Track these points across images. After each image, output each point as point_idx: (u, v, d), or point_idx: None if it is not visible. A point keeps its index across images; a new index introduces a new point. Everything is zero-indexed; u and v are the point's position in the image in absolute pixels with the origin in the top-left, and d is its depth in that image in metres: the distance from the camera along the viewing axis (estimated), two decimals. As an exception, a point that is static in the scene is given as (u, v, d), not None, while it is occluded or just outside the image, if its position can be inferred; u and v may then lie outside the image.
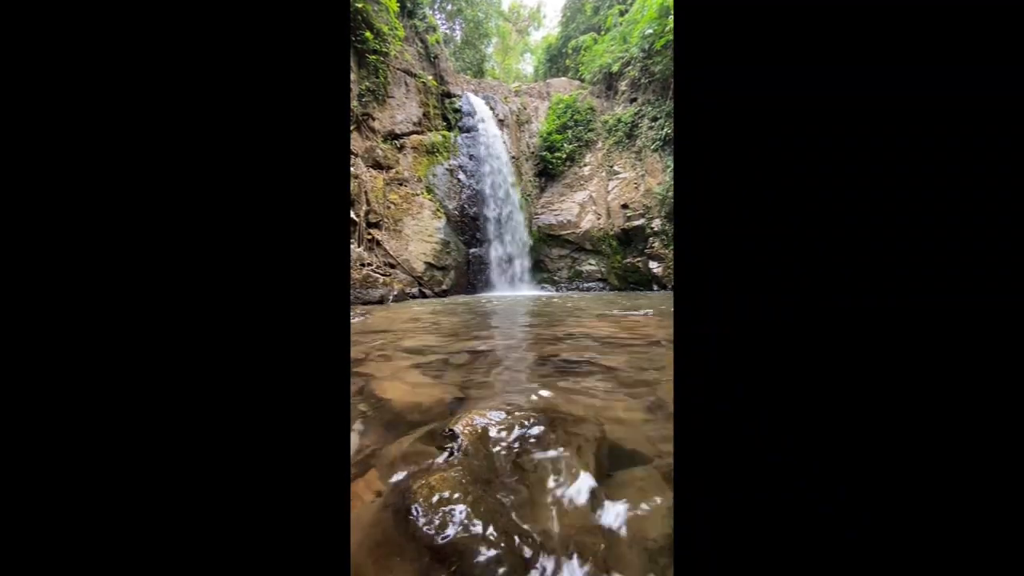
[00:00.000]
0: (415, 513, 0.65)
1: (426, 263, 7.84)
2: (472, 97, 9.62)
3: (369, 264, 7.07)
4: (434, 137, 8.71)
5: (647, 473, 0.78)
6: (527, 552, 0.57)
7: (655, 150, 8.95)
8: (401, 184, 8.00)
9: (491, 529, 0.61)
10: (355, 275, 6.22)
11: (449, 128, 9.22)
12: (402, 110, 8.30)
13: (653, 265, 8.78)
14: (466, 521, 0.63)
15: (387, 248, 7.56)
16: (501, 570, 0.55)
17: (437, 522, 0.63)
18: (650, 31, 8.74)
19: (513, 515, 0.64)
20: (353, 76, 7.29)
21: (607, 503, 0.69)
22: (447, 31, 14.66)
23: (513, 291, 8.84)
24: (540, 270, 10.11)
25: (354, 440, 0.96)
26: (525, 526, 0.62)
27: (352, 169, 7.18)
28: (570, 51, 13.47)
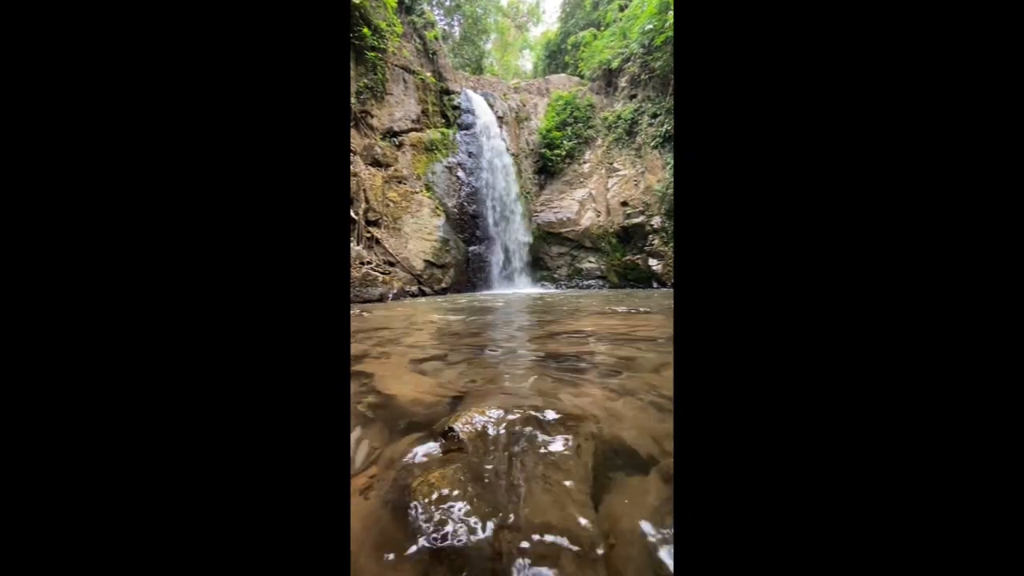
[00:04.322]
0: (415, 511, 0.65)
1: (425, 261, 7.84)
2: (471, 94, 9.58)
3: (368, 262, 7.06)
4: (433, 134, 8.67)
5: (646, 471, 0.78)
6: (526, 549, 0.57)
7: (655, 147, 8.93)
8: (400, 182, 7.98)
9: (490, 526, 0.61)
10: (354, 273, 6.22)
11: (448, 125, 9.18)
12: (400, 107, 8.26)
13: (653, 263, 8.78)
14: (465, 518, 0.63)
15: (386, 246, 7.55)
16: (500, 567, 0.55)
17: (437, 520, 0.63)
18: (650, 27, 8.69)
19: (512, 512, 0.64)
20: (351, 73, 7.25)
21: (606, 499, 0.69)
22: (445, 27, 14.59)
23: (512, 289, 8.84)
24: (539, 268, 10.10)
25: (353, 438, 0.96)
26: (524, 523, 0.62)
27: (351, 167, 7.16)
28: (569, 47, 13.40)
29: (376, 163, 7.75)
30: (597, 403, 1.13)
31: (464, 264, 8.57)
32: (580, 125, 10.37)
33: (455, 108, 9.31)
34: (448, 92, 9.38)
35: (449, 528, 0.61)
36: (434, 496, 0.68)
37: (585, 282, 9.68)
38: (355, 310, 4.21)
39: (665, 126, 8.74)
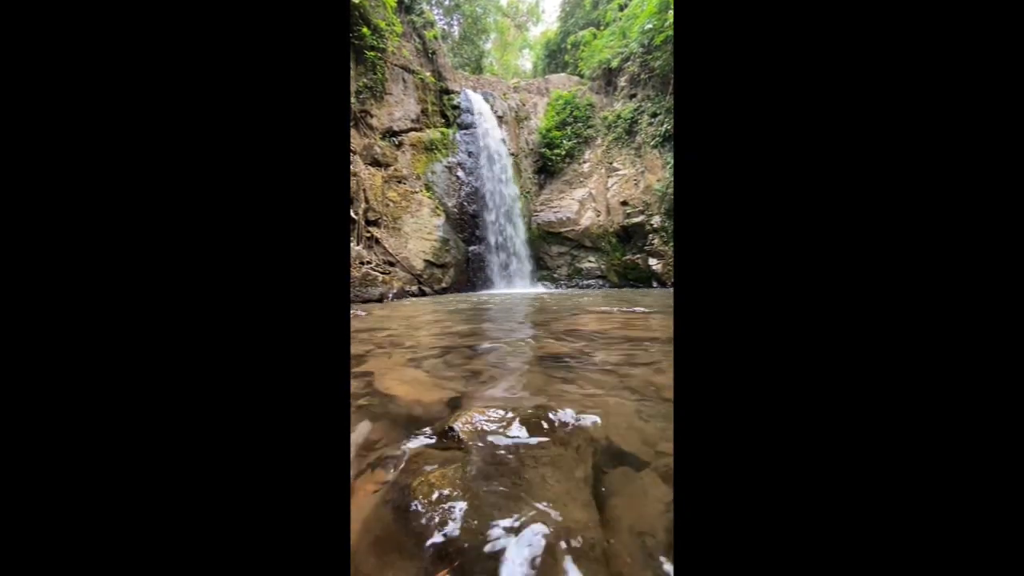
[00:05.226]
0: (415, 510, 0.65)
1: (425, 261, 7.83)
2: (471, 94, 9.57)
3: (368, 262, 7.05)
4: (433, 134, 8.67)
5: (646, 469, 0.78)
6: (526, 548, 0.57)
7: (655, 146, 8.92)
8: (400, 182, 7.98)
9: (490, 525, 0.61)
10: (354, 273, 6.21)
11: (448, 125, 9.18)
12: (400, 107, 8.26)
13: (653, 262, 8.78)
14: (466, 518, 0.63)
15: (386, 246, 7.55)
16: (500, 566, 0.55)
17: (437, 519, 0.63)
18: (650, 26, 8.69)
19: (512, 511, 0.64)
20: (351, 73, 7.24)
21: (607, 497, 0.69)
22: (445, 27, 14.57)
23: (512, 288, 8.83)
24: (539, 267, 10.10)
25: (353, 438, 0.96)
26: (524, 522, 0.62)
27: (351, 167, 7.16)
28: (569, 47, 13.39)
29: (376, 163, 7.74)
30: (597, 402, 1.13)
31: (464, 264, 8.57)
32: (580, 125, 10.37)
33: (455, 108, 9.30)
34: (448, 92, 9.37)
35: (449, 528, 0.61)
36: (434, 496, 0.68)
37: (585, 282, 9.67)
38: (355, 310, 4.21)
39: (665, 125, 8.74)
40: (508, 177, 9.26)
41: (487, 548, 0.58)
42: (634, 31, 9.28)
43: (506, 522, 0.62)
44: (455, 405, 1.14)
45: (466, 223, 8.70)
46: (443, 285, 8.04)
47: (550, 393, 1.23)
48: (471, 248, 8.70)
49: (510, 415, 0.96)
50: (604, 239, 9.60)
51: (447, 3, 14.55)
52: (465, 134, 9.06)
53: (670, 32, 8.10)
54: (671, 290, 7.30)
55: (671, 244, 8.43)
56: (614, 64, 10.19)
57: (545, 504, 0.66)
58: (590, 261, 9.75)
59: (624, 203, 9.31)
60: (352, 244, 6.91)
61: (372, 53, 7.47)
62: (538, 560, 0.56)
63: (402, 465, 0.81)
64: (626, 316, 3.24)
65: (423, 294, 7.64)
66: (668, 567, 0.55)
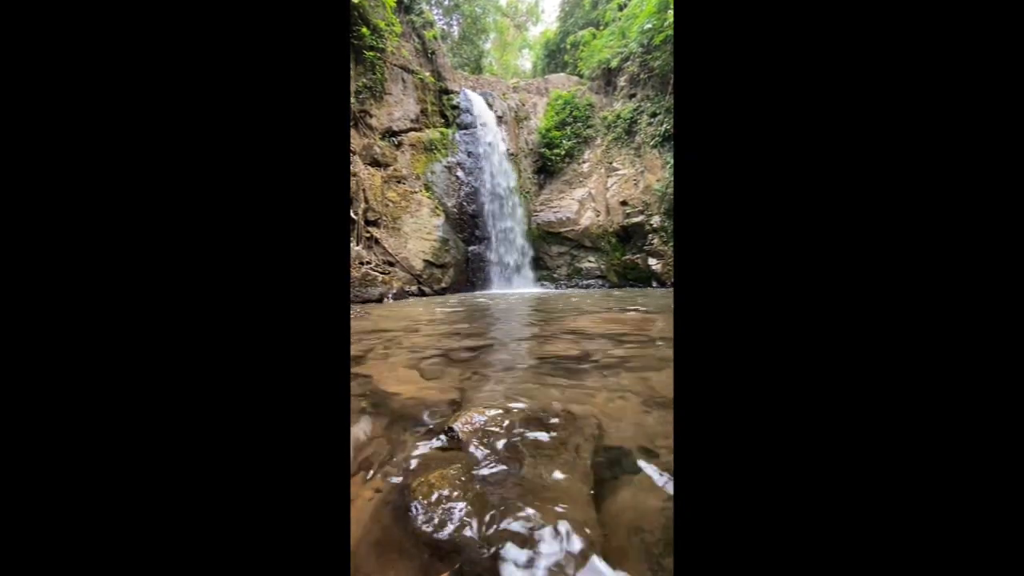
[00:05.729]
0: (415, 510, 0.65)
1: (425, 261, 7.83)
2: (470, 94, 9.57)
3: (368, 262, 7.05)
4: (432, 134, 8.66)
5: (644, 468, 0.78)
6: (525, 548, 0.58)
7: (654, 146, 8.92)
8: (399, 182, 7.97)
9: (490, 526, 0.61)
10: (354, 273, 6.21)
11: (447, 125, 9.17)
12: (400, 107, 8.25)
13: (652, 262, 8.78)
14: (465, 518, 0.63)
15: (386, 246, 7.54)
16: (500, 566, 0.55)
17: (436, 519, 0.63)
18: (649, 26, 8.69)
19: (512, 511, 0.64)
20: (350, 73, 7.24)
21: (604, 497, 0.69)
22: (444, 27, 14.56)
23: (512, 288, 8.84)
24: (539, 267, 10.09)
25: (353, 438, 0.96)
26: (523, 522, 0.62)
27: (350, 167, 7.14)
28: (568, 46, 13.39)
29: (375, 163, 7.74)
30: (596, 402, 1.13)
31: (464, 264, 8.56)
32: (579, 124, 10.36)
33: (454, 108, 9.30)
34: (447, 92, 9.36)
35: (449, 529, 0.61)
36: (434, 497, 0.68)
37: (584, 282, 9.67)
38: (355, 310, 4.21)
39: (664, 125, 8.74)
40: (508, 177, 9.25)
41: (486, 547, 0.58)
42: (633, 31, 9.27)
43: (506, 522, 0.62)
44: (455, 405, 1.14)
45: (466, 223, 8.69)
46: (443, 285, 8.04)
47: (549, 393, 1.23)
48: (471, 248, 8.70)
49: (509, 415, 0.96)
50: (604, 239, 9.60)
51: (447, 3, 14.54)
52: (464, 134, 9.05)
53: (670, 32, 8.09)
54: (671, 290, 7.30)
55: (671, 244, 8.43)
56: (613, 64, 10.18)
57: (545, 503, 0.66)
58: (590, 261, 9.74)
59: (624, 203, 9.31)
60: (352, 244, 6.90)
61: (371, 53, 7.46)
62: (538, 560, 0.56)
63: (402, 466, 0.81)
64: (624, 317, 3.24)
65: (423, 294, 7.63)
66: (668, 562, 0.55)
